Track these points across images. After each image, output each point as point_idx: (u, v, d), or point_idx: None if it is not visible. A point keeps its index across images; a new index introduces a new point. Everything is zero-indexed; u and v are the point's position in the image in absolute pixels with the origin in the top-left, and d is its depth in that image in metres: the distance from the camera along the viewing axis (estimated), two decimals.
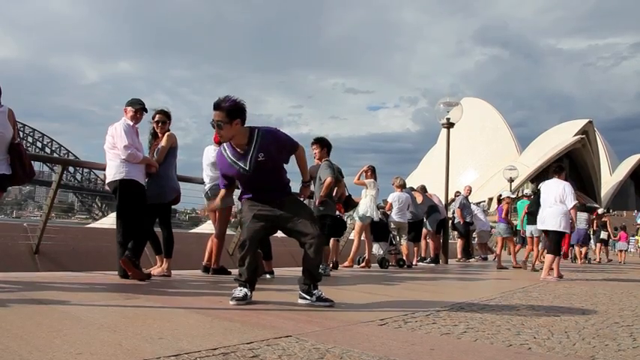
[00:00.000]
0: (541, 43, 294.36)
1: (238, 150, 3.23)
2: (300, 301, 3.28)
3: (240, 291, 3.18)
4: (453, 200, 11.52)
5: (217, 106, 3.15)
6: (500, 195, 10.17)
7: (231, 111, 3.14)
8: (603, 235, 15.39)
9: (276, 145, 3.26)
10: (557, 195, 6.57)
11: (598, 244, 15.51)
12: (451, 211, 11.19)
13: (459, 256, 11.41)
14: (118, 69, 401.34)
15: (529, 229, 8.93)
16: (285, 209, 3.28)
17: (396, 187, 8.64)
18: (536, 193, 7.08)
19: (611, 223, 16.47)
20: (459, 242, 11.65)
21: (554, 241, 6.66)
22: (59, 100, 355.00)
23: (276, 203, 3.29)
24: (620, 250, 15.85)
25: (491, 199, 70.29)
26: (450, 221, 11.15)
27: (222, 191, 3.63)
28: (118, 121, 4.37)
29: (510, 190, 23.36)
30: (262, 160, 3.19)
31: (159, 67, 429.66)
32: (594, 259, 14.83)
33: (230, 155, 3.25)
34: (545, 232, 6.86)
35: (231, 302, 3.11)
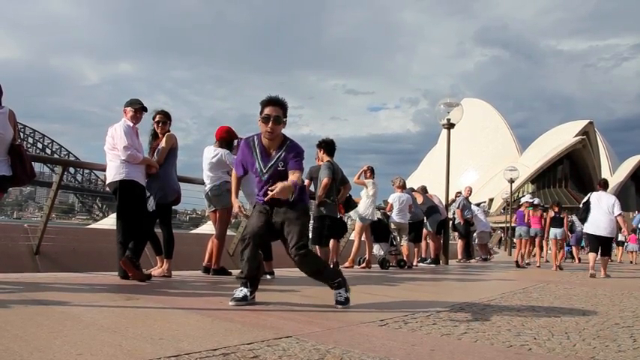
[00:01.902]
0: (541, 44, 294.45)
1: (266, 148, 3.25)
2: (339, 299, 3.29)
3: (240, 291, 3.17)
4: (453, 201, 11.52)
5: (276, 101, 3.17)
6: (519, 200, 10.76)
7: (286, 109, 3.19)
8: (620, 237, 15.46)
9: (293, 158, 3.24)
10: (609, 205, 7.63)
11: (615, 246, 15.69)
12: (451, 211, 11.20)
13: (459, 256, 11.41)
14: (118, 70, 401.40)
15: (553, 233, 9.82)
16: (280, 214, 3.21)
17: (396, 187, 8.64)
18: (586, 203, 7.87)
19: (628, 226, 16.58)
20: (459, 243, 11.65)
21: (607, 245, 7.82)
22: (60, 101, 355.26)
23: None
24: (631, 251, 16.03)
25: (491, 200, 70.40)
26: (451, 222, 11.16)
27: (235, 177, 3.53)
28: (118, 122, 4.38)
29: (511, 191, 23.45)
30: (281, 169, 3.22)
31: (159, 69, 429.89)
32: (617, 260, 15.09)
33: (258, 150, 3.26)
34: (596, 236, 7.74)
35: (230, 303, 3.10)
